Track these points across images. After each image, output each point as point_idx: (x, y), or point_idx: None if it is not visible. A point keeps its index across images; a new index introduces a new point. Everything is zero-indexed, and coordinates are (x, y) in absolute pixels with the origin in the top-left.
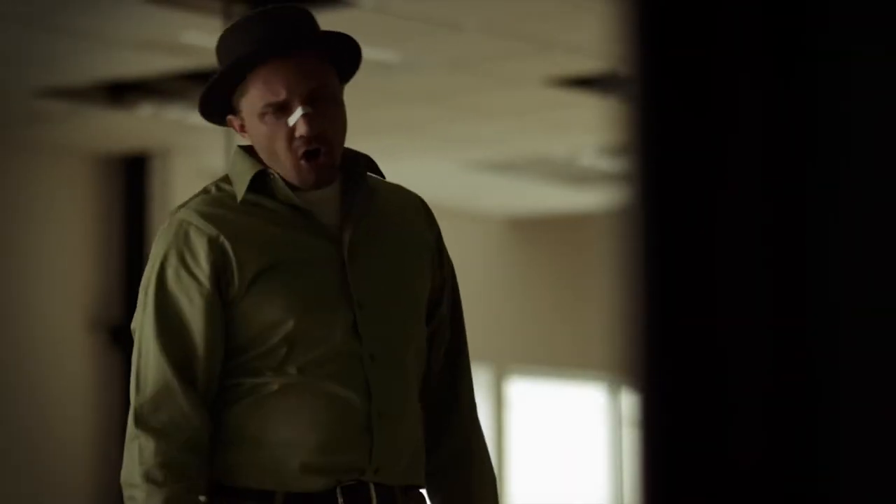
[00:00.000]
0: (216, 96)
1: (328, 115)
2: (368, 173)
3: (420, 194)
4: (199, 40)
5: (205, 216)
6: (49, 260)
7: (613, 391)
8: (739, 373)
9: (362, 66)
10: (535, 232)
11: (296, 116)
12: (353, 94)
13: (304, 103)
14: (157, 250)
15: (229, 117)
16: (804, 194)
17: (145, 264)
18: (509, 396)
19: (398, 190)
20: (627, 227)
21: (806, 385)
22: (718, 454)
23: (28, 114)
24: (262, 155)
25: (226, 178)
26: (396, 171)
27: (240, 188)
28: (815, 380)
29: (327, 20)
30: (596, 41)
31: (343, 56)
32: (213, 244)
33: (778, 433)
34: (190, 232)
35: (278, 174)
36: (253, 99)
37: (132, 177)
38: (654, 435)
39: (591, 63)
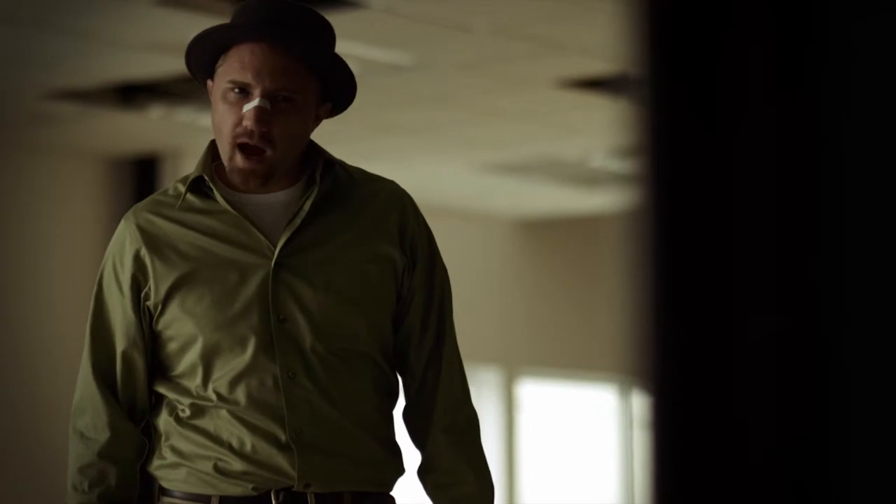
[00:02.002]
0: (204, 54)
1: (282, 118)
2: (348, 166)
3: (430, 196)
4: None
5: (140, 224)
6: (59, 261)
7: (624, 393)
8: (751, 375)
9: (373, 67)
10: (546, 233)
11: (251, 105)
12: (364, 95)
13: (263, 95)
14: (106, 253)
15: (209, 81)
16: (814, 195)
17: None
18: (520, 398)
19: (373, 184)
20: (638, 229)
21: (817, 387)
22: (729, 456)
23: (38, 115)
24: (214, 128)
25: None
26: (407, 172)
27: (182, 189)
28: (827, 381)
29: (338, 22)
30: (607, 43)
31: (339, 81)
32: (136, 256)
33: (789, 434)
34: (125, 240)
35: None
36: (225, 71)
37: (142, 179)
38: (665, 436)
39: (602, 65)
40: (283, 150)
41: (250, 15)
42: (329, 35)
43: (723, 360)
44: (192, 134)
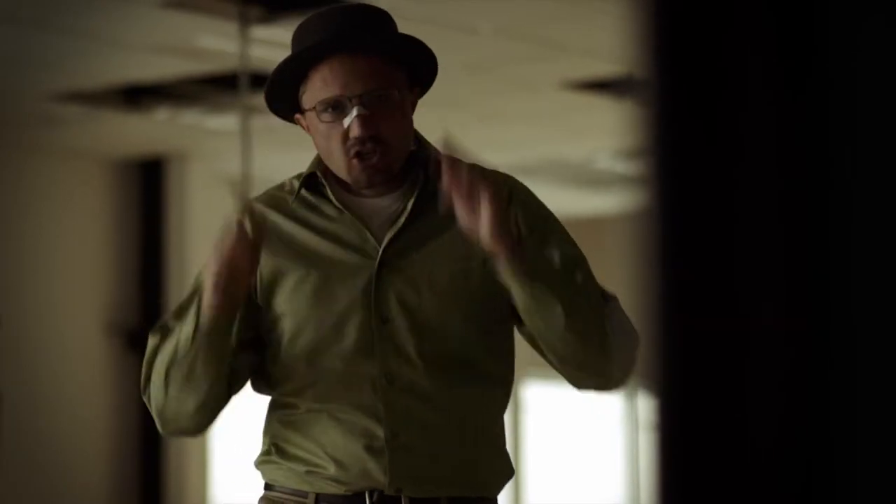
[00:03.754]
0: (283, 90)
1: (385, 118)
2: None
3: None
4: (215, 44)
5: (266, 212)
6: (65, 264)
7: (630, 395)
8: (757, 377)
9: None
10: None
11: (350, 117)
12: None
13: (359, 104)
14: None
15: (297, 115)
16: (819, 195)
17: (161, 268)
18: (526, 400)
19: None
20: (643, 230)
21: (824, 390)
22: (735, 459)
23: (44, 117)
24: (322, 154)
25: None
26: None
27: (296, 187)
28: (834, 384)
29: None
30: (611, 44)
31: (418, 61)
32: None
33: (795, 437)
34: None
35: (335, 177)
36: (312, 96)
37: (148, 181)
38: (671, 439)
39: (607, 66)
40: (397, 145)
41: (312, 34)
42: (390, 20)
43: (729, 363)
44: (197, 136)
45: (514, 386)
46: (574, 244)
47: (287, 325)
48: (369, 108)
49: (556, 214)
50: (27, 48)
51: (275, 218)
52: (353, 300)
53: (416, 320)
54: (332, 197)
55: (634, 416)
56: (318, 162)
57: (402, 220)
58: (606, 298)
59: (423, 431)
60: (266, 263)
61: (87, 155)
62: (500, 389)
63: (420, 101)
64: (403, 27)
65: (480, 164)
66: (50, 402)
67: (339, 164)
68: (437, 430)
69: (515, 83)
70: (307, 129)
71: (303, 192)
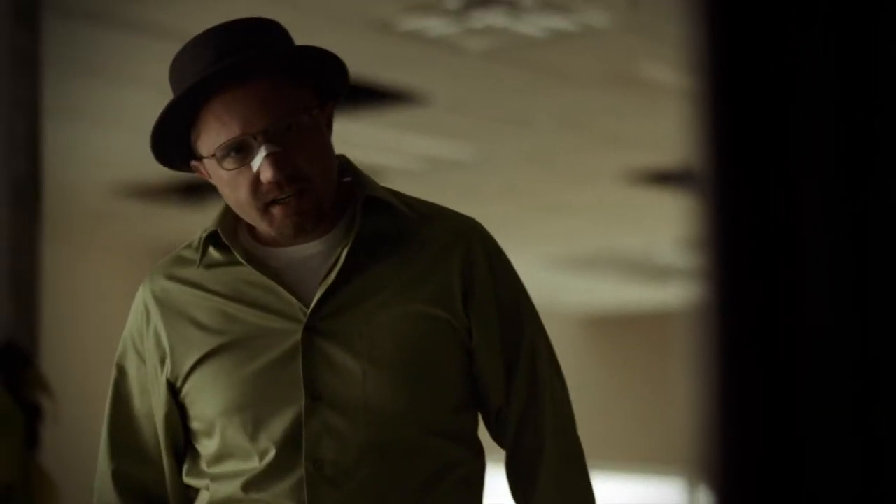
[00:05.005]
0: (170, 139)
1: (300, 149)
2: (406, 199)
3: None
4: None
5: (156, 292)
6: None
7: (691, 489)
8: (820, 474)
9: (437, 162)
10: (612, 329)
11: (258, 158)
12: (428, 190)
13: (267, 141)
14: (124, 334)
15: (193, 163)
16: (885, 290)
17: None
18: None
19: (437, 222)
20: (703, 324)
21: (891, 491)
22: None
23: (101, 212)
24: (232, 206)
25: None
26: None
27: (199, 250)
28: None
29: (403, 117)
30: (672, 136)
31: (322, 71)
32: (154, 332)
33: None
34: (141, 313)
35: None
36: (208, 140)
37: None
38: None
39: (666, 158)
40: (322, 180)
41: (191, 68)
42: (278, 30)
43: (791, 459)
44: None
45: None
46: (539, 328)
47: (205, 412)
48: (279, 142)
49: (617, 309)
50: (86, 142)
51: (177, 292)
52: (277, 375)
53: (355, 397)
54: (237, 255)
55: None
56: (224, 212)
57: (334, 274)
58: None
59: None
60: (176, 350)
61: (146, 250)
62: (468, 473)
63: (479, 194)
64: (462, 121)
65: (442, 212)
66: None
67: (254, 217)
68: None
69: (574, 174)
70: (207, 176)
71: (211, 250)
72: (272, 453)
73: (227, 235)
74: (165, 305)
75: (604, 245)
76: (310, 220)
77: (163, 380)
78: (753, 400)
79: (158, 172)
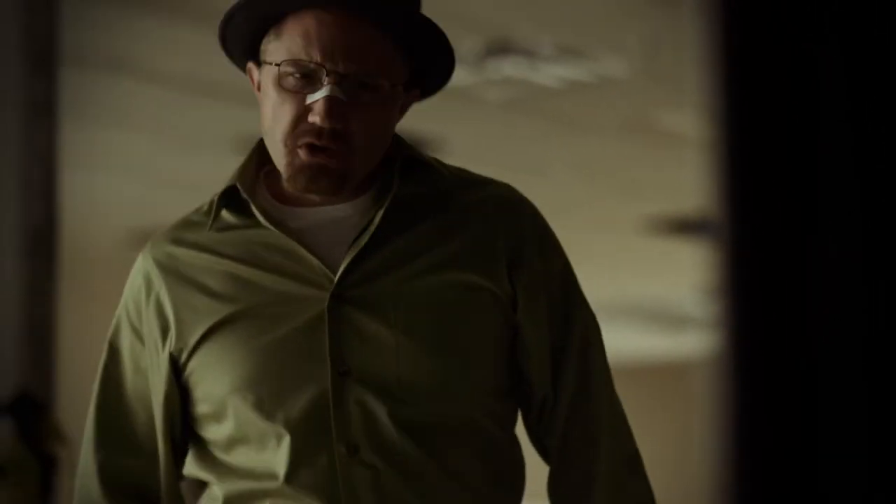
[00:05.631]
0: (246, 25)
1: (361, 113)
2: (444, 166)
3: None
4: None
5: (159, 259)
6: None
7: None
8: None
9: None
10: (630, 379)
11: (319, 94)
12: None
13: (336, 82)
14: (118, 311)
15: (250, 65)
16: None
17: None
18: None
19: (479, 188)
20: (722, 374)
21: None
22: None
23: (119, 259)
24: (265, 129)
25: None
26: None
27: (212, 211)
28: None
29: None
30: (689, 185)
31: (430, 56)
32: (156, 304)
33: None
34: (140, 285)
35: (274, 183)
36: (280, 47)
37: None
38: None
39: (684, 206)
40: (364, 156)
41: None
42: None
43: None
44: None
45: None
46: (590, 311)
47: (216, 390)
48: (347, 92)
49: (637, 357)
50: (102, 189)
51: (185, 256)
52: (300, 347)
53: (389, 371)
54: (256, 213)
55: None
56: (243, 170)
57: (367, 237)
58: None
59: None
60: (183, 320)
61: None
62: (507, 462)
63: None
64: (479, 170)
65: (486, 180)
66: None
67: (280, 151)
68: None
69: (591, 223)
70: (257, 87)
71: (224, 213)
72: (296, 435)
73: (247, 192)
74: (170, 272)
75: (621, 294)
76: (325, 182)
77: (165, 355)
78: (771, 451)
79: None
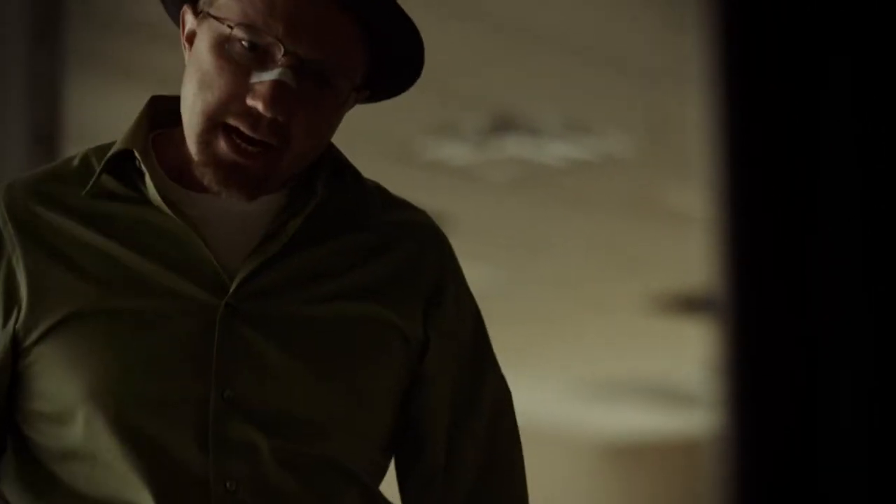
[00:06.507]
0: None
1: (314, 112)
2: (365, 179)
3: (517, 418)
4: None
5: (14, 210)
6: None
7: None
8: None
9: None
10: (635, 458)
11: (269, 75)
12: None
13: (292, 66)
14: None
15: (185, 10)
16: None
17: None
18: None
19: (400, 211)
20: (724, 453)
21: None
22: None
23: None
24: (186, 95)
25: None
26: None
27: (96, 166)
28: None
29: None
30: (694, 261)
31: (393, 52)
32: (6, 265)
33: None
34: None
35: (171, 155)
36: (233, 6)
37: None
38: None
39: (689, 283)
40: (295, 160)
41: None
42: None
43: None
44: None
45: None
46: (501, 377)
47: (65, 392)
48: (302, 81)
49: (640, 436)
50: None
51: (50, 216)
52: (178, 357)
53: (279, 399)
54: (150, 189)
55: None
56: (134, 133)
57: (277, 245)
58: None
59: None
60: (36, 292)
61: None
62: None
63: (500, 317)
64: (488, 244)
65: (407, 203)
66: None
67: (198, 124)
68: None
69: (596, 300)
70: (185, 40)
71: (105, 178)
72: (163, 467)
73: (143, 161)
74: (29, 234)
75: (626, 371)
76: (240, 184)
77: (8, 331)
78: None
79: None
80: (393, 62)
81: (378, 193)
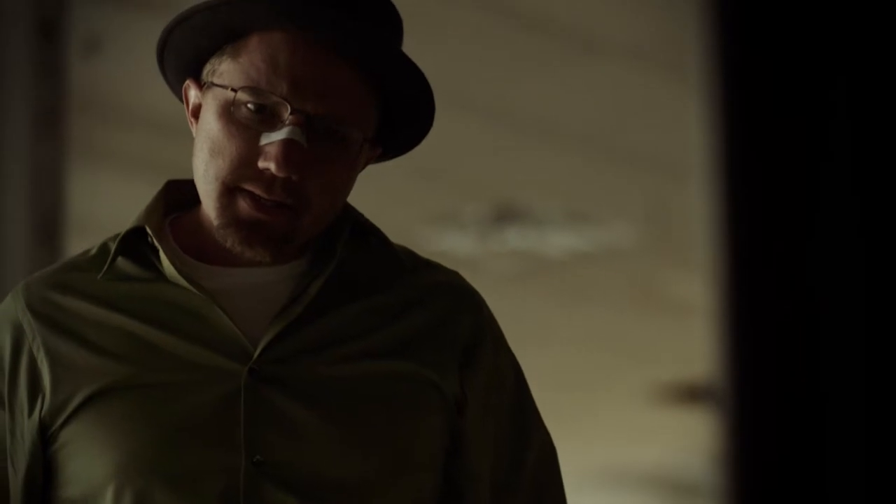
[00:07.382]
0: (193, 41)
1: (328, 169)
2: (390, 242)
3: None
4: None
5: (32, 304)
6: None
7: None
8: None
9: None
10: None
11: (278, 135)
12: None
13: (301, 124)
14: None
15: (189, 82)
16: None
17: None
18: None
19: (430, 272)
20: None
21: None
22: None
23: None
24: (197, 168)
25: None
26: None
27: (111, 248)
28: None
29: None
30: (694, 352)
31: (409, 113)
32: (26, 355)
33: None
34: (6, 329)
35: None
36: (236, 71)
37: None
38: None
39: (690, 374)
40: (315, 219)
41: None
42: (401, 29)
43: None
44: None
45: None
46: (545, 430)
47: (93, 471)
48: (312, 139)
49: None
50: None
51: (68, 303)
52: (206, 428)
53: (312, 463)
54: (165, 263)
55: None
56: (150, 214)
57: (300, 307)
58: None
59: None
60: (60, 378)
61: None
62: None
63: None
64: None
65: (438, 265)
66: None
67: (212, 191)
68: None
69: (596, 390)
70: (192, 112)
71: (121, 261)
72: None
73: (157, 238)
74: (47, 321)
75: (630, 461)
76: (264, 243)
77: (33, 421)
78: None
79: None
80: (403, 112)
81: (408, 255)
